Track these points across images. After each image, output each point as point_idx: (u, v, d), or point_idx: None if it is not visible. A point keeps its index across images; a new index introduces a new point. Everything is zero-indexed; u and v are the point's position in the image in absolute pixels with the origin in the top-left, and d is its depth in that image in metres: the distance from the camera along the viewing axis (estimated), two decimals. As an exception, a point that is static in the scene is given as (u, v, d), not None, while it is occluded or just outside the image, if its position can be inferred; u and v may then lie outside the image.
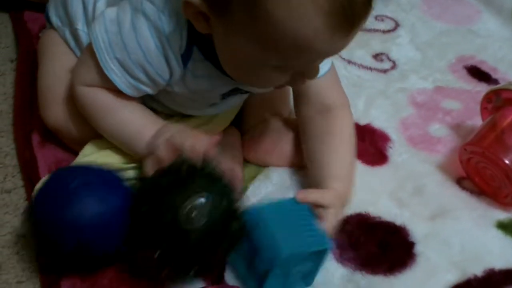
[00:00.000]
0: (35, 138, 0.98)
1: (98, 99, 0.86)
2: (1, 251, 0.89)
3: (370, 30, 1.20)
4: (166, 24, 0.78)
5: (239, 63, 0.77)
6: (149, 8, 0.79)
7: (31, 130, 0.99)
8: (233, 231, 0.75)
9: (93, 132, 0.91)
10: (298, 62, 0.74)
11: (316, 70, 0.78)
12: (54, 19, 1.00)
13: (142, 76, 0.82)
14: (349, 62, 1.13)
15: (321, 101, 0.90)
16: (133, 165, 0.89)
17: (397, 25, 1.21)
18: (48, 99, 0.96)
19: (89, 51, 0.84)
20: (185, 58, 0.81)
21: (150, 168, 0.80)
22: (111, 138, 0.88)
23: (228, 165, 0.87)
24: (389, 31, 1.19)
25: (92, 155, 0.90)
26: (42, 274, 0.84)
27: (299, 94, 0.91)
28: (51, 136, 0.97)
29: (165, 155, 0.78)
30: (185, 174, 0.75)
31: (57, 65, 0.97)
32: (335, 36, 0.68)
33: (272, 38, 0.69)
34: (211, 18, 0.73)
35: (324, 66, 0.87)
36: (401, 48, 1.17)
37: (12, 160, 0.98)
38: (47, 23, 1.03)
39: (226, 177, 0.76)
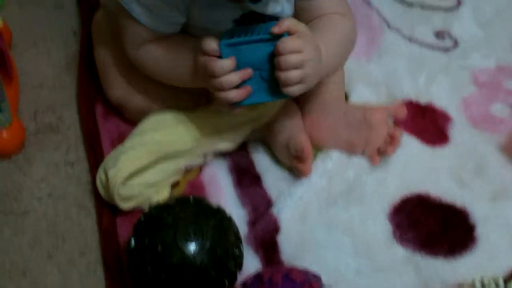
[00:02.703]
0: (99, 110, 1.00)
1: (149, 53, 0.88)
2: (64, 222, 0.91)
3: (432, 7, 1.17)
4: None
5: None
6: None
7: (95, 102, 1.01)
8: (230, 271, 0.79)
9: (153, 105, 0.93)
10: None
11: None
12: None
13: (162, 8, 0.84)
14: (410, 39, 1.11)
15: (322, 12, 0.89)
16: (187, 148, 0.91)
17: (459, 2, 1.18)
18: (107, 75, 0.98)
19: (121, 17, 0.87)
20: None
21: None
22: (178, 81, 0.89)
23: (298, 141, 0.88)
24: (451, 8, 1.17)
25: (148, 132, 0.91)
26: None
27: (301, 9, 0.90)
28: (114, 108, 0.99)
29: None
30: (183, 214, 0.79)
31: (110, 41, 0.99)
32: None
33: None
34: None
35: None
36: (463, 25, 1.14)
37: (75, 132, 1.00)
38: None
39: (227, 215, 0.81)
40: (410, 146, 0.96)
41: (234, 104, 0.81)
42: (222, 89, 0.80)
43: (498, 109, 1.03)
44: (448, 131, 0.99)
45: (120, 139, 0.94)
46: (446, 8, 1.17)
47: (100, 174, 0.89)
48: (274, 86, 0.80)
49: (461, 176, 0.93)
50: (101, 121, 0.98)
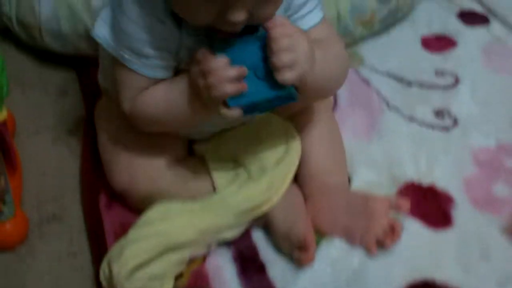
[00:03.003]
0: (102, 199, 1.00)
1: (147, 98, 0.88)
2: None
3: (430, 86, 1.19)
4: None
5: None
6: None
7: (98, 191, 1.01)
8: None
9: (157, 191, 0.94)
10: None
11: (236, 12, 0.76)
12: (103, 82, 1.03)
13: (151, 52, 0.85)
14: (410, 119, 1.13)
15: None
16: (193, 239, 0.90)
17: (457, 80, 1.20)
18: (111, 161, 0.99)
19: (115, 71, 0.89)
20: (178, 17, 0.84)
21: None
22: (181, 118, 0.88)
23: (300, 230, 0.88)
24: (449, 86, 1.18)
25: (152, 223, 0.91)
26: None
27: None
28: (118, 196, 0.99)
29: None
30: None
31: (113, 127, 1.00)
32: None
33: None
34: None
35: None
36: (462, 104, 1.15)
37: (78, 221, 1.00)
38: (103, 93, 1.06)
39: None
40: (414, 230, 0.96)
41: (231, 105, 0.80)
42: (219, 82, 0.78)
43: (499, 189, 1.03)
44: (451, 214, 0.99)
45: (123, 229, 0.94)
46: (445, 86, 1.19)
47: (104, 268, 0.88)
48: (270, 83, 0.80)
49: (466, 261, 0.93)
50: (105, 210, 0.99)
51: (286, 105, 0.86)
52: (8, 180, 0.97)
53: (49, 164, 1.08)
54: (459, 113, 1.14)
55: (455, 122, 1.13)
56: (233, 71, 0.79)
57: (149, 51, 0.85)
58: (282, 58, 0.78)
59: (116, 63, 0.88)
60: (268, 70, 0.79)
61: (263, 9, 0.79)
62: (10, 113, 1.09)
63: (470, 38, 1.29)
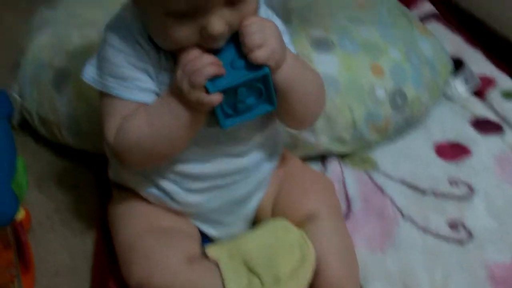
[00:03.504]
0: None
1: (131, 125, 0.90)
2: None
3: (444, 196, 1.19)
4: (127, 14, 0.91)
5: (149, 22, 0.87)
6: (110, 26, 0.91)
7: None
8: None
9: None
10: (182, 2, 0.80)
11: (215, 24, 0.82)
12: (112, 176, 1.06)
13: (130, 73, 0.89)
14: (424, 230, 1.12)
15: None
16: None
17: (471, 190, 1.20)
18: (126, 256, 0.98)
19: (100, 101, 0.92)
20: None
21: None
22: (163, 143, 0.90)
23: None
24: (463, 197, 1.19)
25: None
26: None
27: None
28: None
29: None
30: None
31: (127, 222, 1.00)
32: None
33: None
34: None
35: None
36: (476, 216, 1.15)
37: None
38: (114, 189, 1.07)
39: None
40: None
41: (211, 90, 0.84)
42: (200, 66, 0.83)
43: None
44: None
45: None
46: (459, 196, 1.19)
47: None
48: (247, 68, 0.85)
49: None
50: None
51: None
52: (21, 280, 0.97)
53: (62, 262, 1.08)
54: (474, 225, 1.14)
55: (470, 235, 1.12)
56: (210, 57, 0.85)
57: (129, 73, 0.89)
58: (253, 38, 0.84)
59: (101, 96, 0.92)
60: (243, 62, 0.85)
61: (240, 16, 0.85)
62: (27, 213, 1.09)
63: (484, 146, 1.30)
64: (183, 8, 0.81)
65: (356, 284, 1.01)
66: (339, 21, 1.31)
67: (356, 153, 1.27)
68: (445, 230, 1.13)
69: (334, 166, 1.25)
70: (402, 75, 1.24)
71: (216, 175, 0.99)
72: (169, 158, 0.94)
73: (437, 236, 1.12)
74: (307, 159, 1.23)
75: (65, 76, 1.20)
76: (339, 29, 1.28)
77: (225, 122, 0.88)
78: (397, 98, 1.23)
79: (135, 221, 1.00)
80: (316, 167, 1.24)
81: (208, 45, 0.85)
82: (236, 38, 0.87)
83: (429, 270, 1.06)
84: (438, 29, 1.61)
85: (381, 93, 1.22)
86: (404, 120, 1.27)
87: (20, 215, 1.00)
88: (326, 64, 1.20)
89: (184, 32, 0.84)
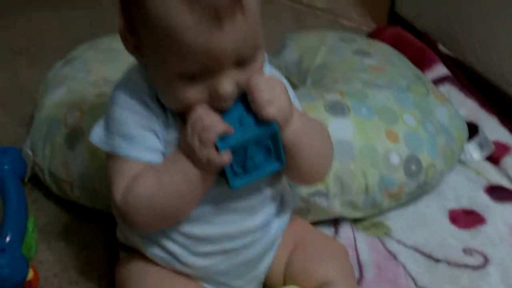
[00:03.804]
0: None
1: (140, 186, 0.88)
2: None
3: (459, 265, 1.17)
4: (135, 74, 0.91)
5: (157, 83, 0.87)
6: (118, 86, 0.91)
7: None
8: None
9: None
10: (192, 65, 0.81)
11: (225, 84, 0.82)
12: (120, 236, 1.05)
13: (138, 132, 0.89)
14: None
15: None
16: None
17: (486, 260, 1.18)
18: None
19: (108, 164, 0.92)
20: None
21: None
22: (173, 203, 0.89)
23: None
24: (478, 267, 1.17)
25: None
26: None
27: None
28: None
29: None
30: None
31: (143, 285, 0.98)
32: (203, 26, 0.77)
33: (156, 37, 0.80)
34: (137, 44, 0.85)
35: None
36: (491, 287, 1.13)
37: None
38: (122, 250, 1.06)
39: None
40: None
41: (220, 148, 0.83)
42: (208, 124, 0.83)
43: None
44: None
45: None
46: (474, 266, 1.17)
47: None
48: (255, 125, 0.85)
49: None
50: None
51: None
52: None
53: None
54: (490, 298, 1.12)
55: (486, 308, 1.10)
56: (218, 116, 0.85)
57: (136, 132, 0.88)
58: (262, 94, 0.84)
59: (108, 156, 0.91)
60: (252, 119, 0.85)
61: (248, 75, 0.85)
62: (34, 270, 1.08)
63: (499, 215, 1.29)
64: (194, 70, 0.82)
65: None
66: (354, 85, 1.31)
67: (368, 217, 1.26)
68: (460, 302, 1.11)
69: (346, 230, 1.23)
70: (417, 142, 1.23)
71: (224, 237, 0.97)
72: (176, 219, 0.93)
73: (452, 307, 1.10)
74: (319, 223, 1.22)
75: (79, 134, 1.20)
76: (354, 93, 1.28)
77: (234, 182, 0.87)
78: (412, 165, 1.22)
79: (142, 284, 0.98)
80: (328, 231, 1.23)
81: (217, 105, 0.85)
82: (242, 96, 0.87)
83: None
84: (453, 92, 1.61)
85: (395, 159, 1.21)
86: (418, 187, 1.26)
87: (29, 276, 0.99)
88: (341, 129, 1.20)
89: (193, 93, 0.84)
